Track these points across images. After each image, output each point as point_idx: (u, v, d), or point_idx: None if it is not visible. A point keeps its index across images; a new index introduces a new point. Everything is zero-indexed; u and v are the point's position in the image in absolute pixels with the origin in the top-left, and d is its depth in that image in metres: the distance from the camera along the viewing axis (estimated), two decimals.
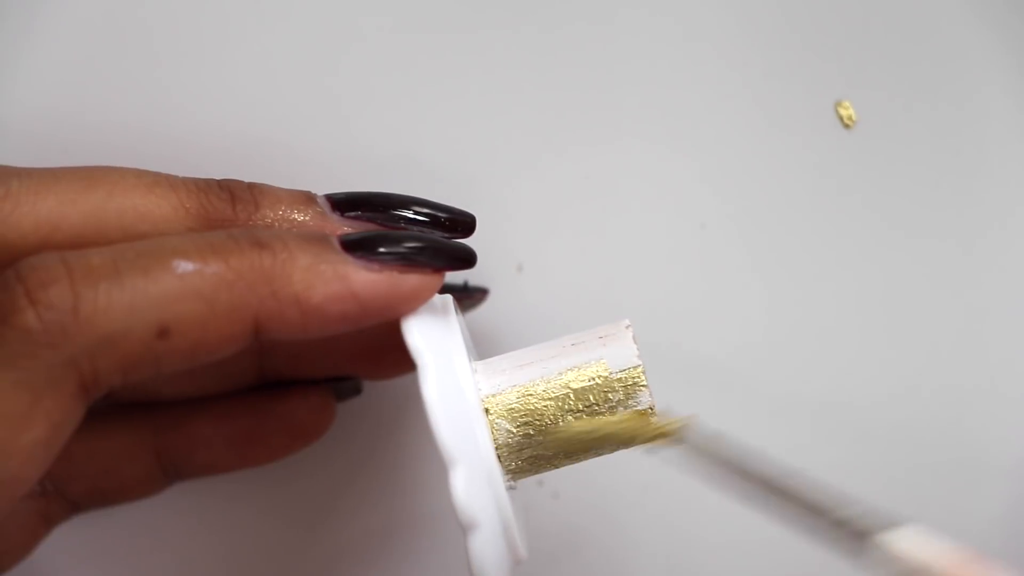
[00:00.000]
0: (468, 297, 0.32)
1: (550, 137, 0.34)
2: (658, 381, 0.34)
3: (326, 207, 0.25)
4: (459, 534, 0.24)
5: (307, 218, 0.25)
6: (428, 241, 0.24)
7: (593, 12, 0.34)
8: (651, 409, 0.25)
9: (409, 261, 0.24)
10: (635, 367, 0.25)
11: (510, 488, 0.25)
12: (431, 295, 0.25)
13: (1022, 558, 0.34)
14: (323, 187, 0.33)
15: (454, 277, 0.32)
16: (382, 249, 0.24)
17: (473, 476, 0.24)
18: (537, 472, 0.26)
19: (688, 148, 0.34)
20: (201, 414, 0.30)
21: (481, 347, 0.33)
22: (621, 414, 0.25)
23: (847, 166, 0.35)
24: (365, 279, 0.23)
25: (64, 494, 0.30)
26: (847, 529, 0.21)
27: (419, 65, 0.34)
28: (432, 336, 0.24)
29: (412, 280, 0.24)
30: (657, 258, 0.34)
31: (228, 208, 0.25)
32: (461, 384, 0.24)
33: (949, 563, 0.20)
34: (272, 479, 0.33)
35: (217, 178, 0.26)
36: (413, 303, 0.24)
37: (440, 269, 0.25)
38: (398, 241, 0.24)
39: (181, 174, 0.26)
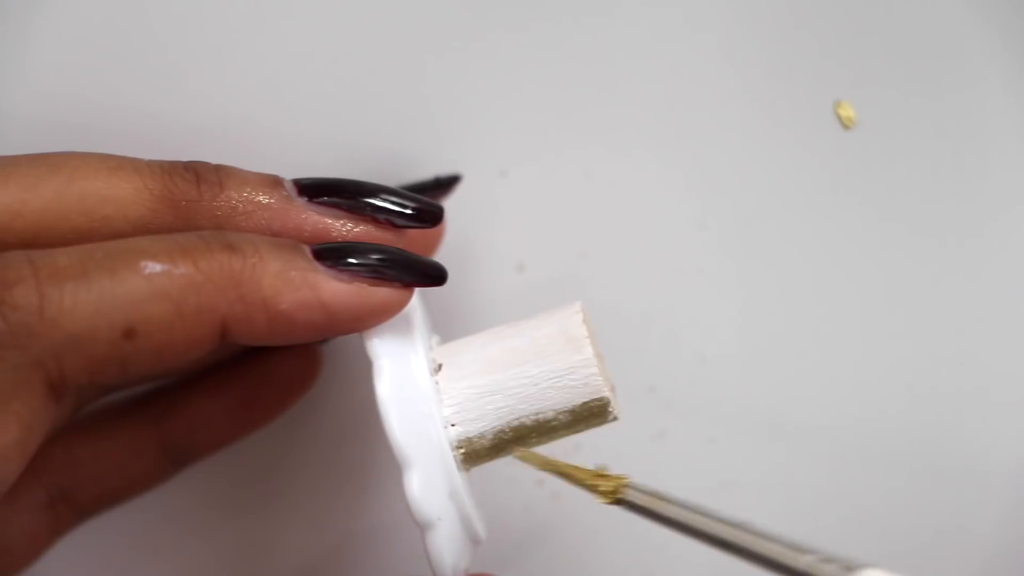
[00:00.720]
0: (442, 189, 0.32)
1: (550, 137, 0.34)
2: (657, 380, 0.34)
3: (292, 191, 0.25)
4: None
5: (272, 200, 0.25)
6: (399, 255, 0.24)
7: (593, 12, 0.34)
8: (608, 401, 0.25)
9: (379, 274, 0.24)
10: (590, 369, 0.25)
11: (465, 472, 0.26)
12: (399, 310, 0.24)
13: (1021, 564, 0.34)
14: None
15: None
16: (353, 260, 0.24)
17: (429, 475, 0.24)
18: (492, 460, 0.26)
19: (688, 148, 0.34)
20: (195, 394, 0.30)
21: None
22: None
23: (846, 166, 0.35)
24: (334, 288, 0.23)
25: (72, 502, 0.30)
26: None
27: (418, 64, 0.34)
28: (389, 332, 0.24)
29: (381, 293, 0.24)
30: (657, 258, 0.34)
31: (193, 189, 0.24)
32: (417, 381, 0.24)
33: None
34: (268, 480, 0.33)
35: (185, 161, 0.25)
36: (381, 316, 0.24)
37: (410, 284, 0.24)
38: (369, 253, 0.24)
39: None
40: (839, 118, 0.35)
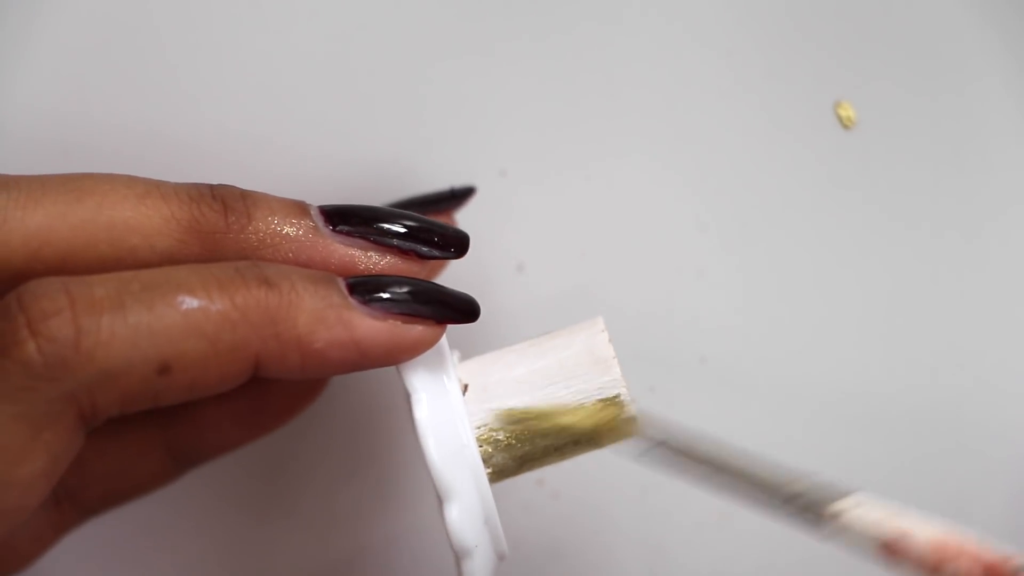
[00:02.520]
0: (457, 201, 0.32)
1: (550, 137, 0.34)
2: (658, 380, 0.34)
3: (318, 219, 0.25)
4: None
5: (299, 232, 0.25)
6: (432, 291, 0.24)
7: (594, 14, 0.34)
8: (636, 420, 0.25)
9: (413, 311, 0.24)
10: (617, 388, 0.25)
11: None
12: (432, 346, 0.24)
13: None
14: (320, 185, 0.33)
15: (438, 187, 0.32)
16: (385, 296, 0.24)
17: (467, 505, 0.24)
18: (511, 476, 0.26)
19: (688, 148, 0.34)
20: (203, 399, 0.30)
21: (480, 347, 0.33)
22: (589, 407, 0.25)
23: (846, 166, 0.35)
24: (369, 327, 0.23)
25: (78, 501, 0.30)
26: (800, 503, 0.22)
27: (418, 64, 0.34)
28: (424, 364, 0.24)
29: (415, 331, 0.24)
30: (657, 258, 0.34)
31: (220, 220, 0.24)
32: (454, 412, 0.24)
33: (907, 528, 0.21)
34: (275, 485, 0.33)
35: (211, 183, 0.25)
36: (413, 353, 0.24)
37: (443, 321, 0.24)
38: (402, 287, 0.24)
39: (180, 174, 0.25)
40: (839, 118, 0.35)
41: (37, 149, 0.32)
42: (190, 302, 0.22)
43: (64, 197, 0.23)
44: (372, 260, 0.25)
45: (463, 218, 0.33)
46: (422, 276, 0.25)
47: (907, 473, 0.35)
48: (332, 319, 0.23)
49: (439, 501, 0.24)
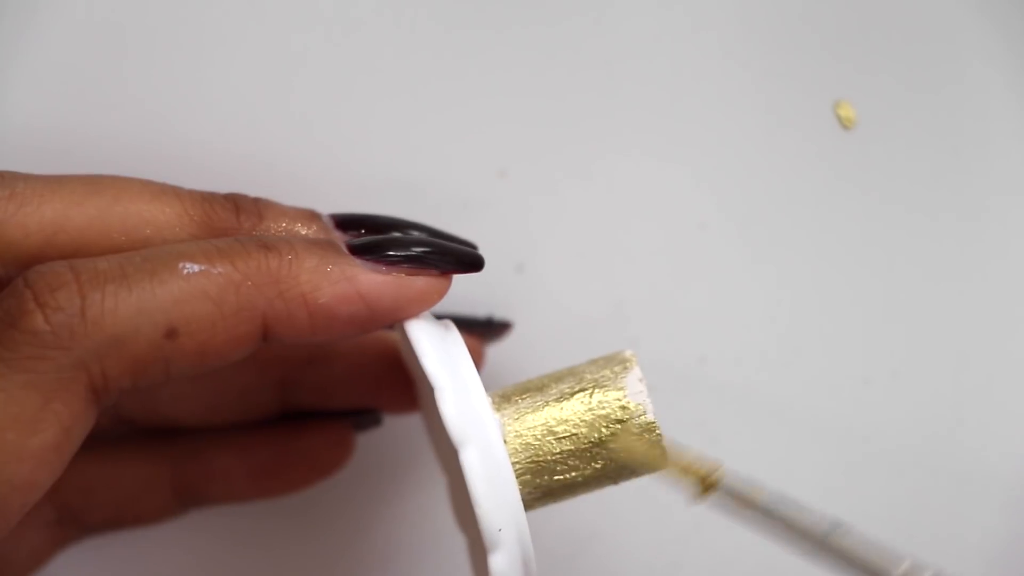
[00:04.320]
0: (493, 332, 0.33)
1: (550, 137, 0.34)
2: (658, 381, 0.34)
3: (330, 225, 0.25)
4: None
5: (310, 234, 0.25)
6: (436, 244, 0.25)
7: (592, 13, 0.34)
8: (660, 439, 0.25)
9: (416, 263, 0.24)
10: (650, 422, 0.25)
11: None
12: (439, 298, 0.25)
13: (1020, 565, 0.35)
14: (320, 185, 0.33)
15: (476, 310, 0.33)
16: (390, 252, 0.24)
17: (510, 552, 0.24)
18: (541, 506, 0.26)
19: (688, 148, 0.34)
20: (220, 446, 0.30)
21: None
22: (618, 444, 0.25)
23: (846, 167, 0.35)
24: (372, 280, 0.24)
25: (79, 522, 0.30)
26: None
27: (418, 64, 0.34)
28: (465, 410, 0.24)
29: (419, 282, 0.24)
30: (657, 258, 0.34)
31: (232, 218, 0.25)
32: (497, 459, 0.24)
33: None
34: (288, 506, 0.33)
35: (217, 191, 0.26)
36: (420, 305, 0.24)
37: (447, 272, 0.25)
38: (406, 244, 0.24)
39: (180, 175, 0.26)
40: (839, 118, 0.35)
41: (36, 153, 0.32)
42: (191, 267, 0.22)
43: (81, 189, 0.24)
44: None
45: (463, 218, 0.33)
46: (438, 290, 0.25)
47: (907, 472, 0.35)
48: (335, 274, 0.23)
49: (486, 550, 0.24)
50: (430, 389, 0.24)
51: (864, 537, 0.21)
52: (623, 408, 0.25)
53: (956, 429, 0.35)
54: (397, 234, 0.25)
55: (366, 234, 0.25)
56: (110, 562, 0.32)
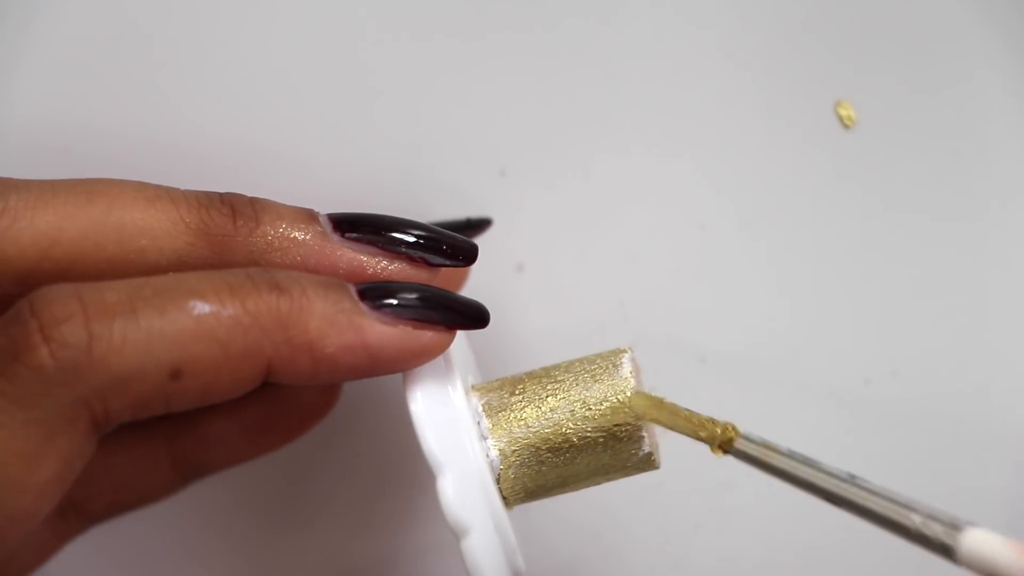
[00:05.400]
0: (473, 230, 0.32)
1: (550, 137, 0.34)
2: (658, 381, 0.34)
3: (327, 226, 0.25)
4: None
5: (307, 237, 0.25)
6: (441, 297, 0.24)
7: (593, 13, 0.34)
8: (651, 452, 0.25)
9: (423, 317, 0.24)
10: (637, 422, 0.25)
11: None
12: (441, 352, 0.25)
13: None
14: (320, 185, 0.33)
15: (456, 215, 0.32)
16: (395, 301, 0.24)
17: (485, 539, 0.24)
18: (537, 499, 0.26)
19: (688, 148, 0.34)
20: (212, 413, 0.30)
21: (481, 347, 0.33)
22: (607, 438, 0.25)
23: (846, 166, 0.35)
24: (379, 332, 0.23)
25: (83, 511, 0.30)
26: (918, 535, 0.21)
27: (417, 64, 0.34)
28: (444, 433, 0.24)
29: (426, 337, 0.24)
30: (657, 258, 0.34)
31: (229, 224, 0.24)
32: (476, 467, 0.24)
33: None
34: (287, 493, 0.33)
35: (217, 190, 0.25)
36: (423, 359, 0.24)
37: (453, 327, 0.24)
38: (411, 293, 0.24)
39: (179, 177, 0.26)
40: (839, 118, 0.35)
41: (37, 153, 0.32)
42: (202, 307, 0.22)
43: (74, 199, 0.24)
44: (381, 265, 0.25)
45: (462, 216, 0.33)
46: (432, 283, 0.25)
47: (907, 472, 0.35)
48: (343, 324, 0.23)
49: (456, 537, 0.24)
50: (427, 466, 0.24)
51: (877, 488, 0.22)
52: (620, 392, 0.25)
53: (956, 429, 0.35)
54: (407, 284, 0.24)
55: (363, 235, 0.25)
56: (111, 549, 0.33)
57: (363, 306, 0.24)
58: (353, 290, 0.24)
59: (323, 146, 0.33)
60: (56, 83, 0.32)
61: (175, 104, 0.33)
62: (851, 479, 0.22)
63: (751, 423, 0.34)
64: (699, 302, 0.34)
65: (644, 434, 0.25)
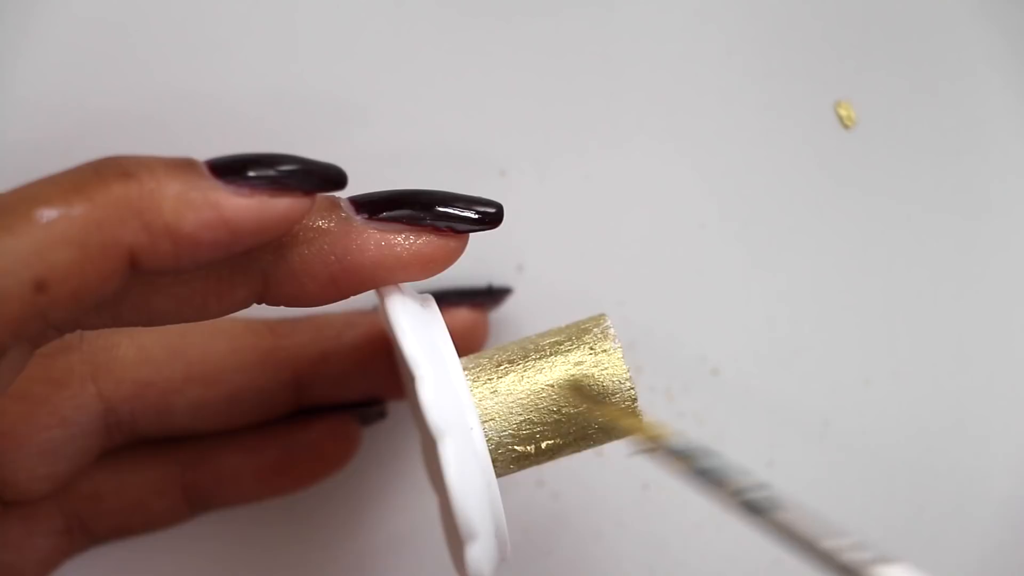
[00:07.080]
0: (493, 299, 0.33)
1: (550, 137, 0.34)
2: (658, 380, 0.34)
3: (350, 211, 0.25)
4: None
5: (331, 224, 0.25)
6: (298, 163, 0.24)
7: (593, 12, 0.34)
8: (634, 404, 0.25)
9: (279, 185, 0.23)
10: (626, 378, 0.25)
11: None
12: (301, 219, 0.24)
13: (1019, 562, 0.35)
14: None
15: (477, 280, 0.33)
16: (252, 173, 0.23)
17: (485, 545, 0.24)
18: (521, 469, 0.26)
19: (688, 148, 0.34)
20: (228, 448, 0.30)
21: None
22: (610, 407, 0.25)
23: (847, 166, 0.35)
24: (236, 204, 0.23)
25: (88, 530, 0.30)
26: (834, 562, 0.21)
27: (417, 63, 0.34)
28: (445, 403, 0.24)
29: (282, 204, 0.23)
30: (657, 258, 0.34)
31: None
32: (476, 450, 0.24)
33: None
34: (295, 505, 0.33)
35: None
36: (282, 227, 0.24)
37: (310, 191, 0.24)
38: (268, 164, 0.23)
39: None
40: (839, 118, 0.35)
41: (37, 150, 0.32)
42: (49, 213, 0.21)
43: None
44: (408, 241, 0.25)
45: None
46: (461, 251, 0.25)
47: (907, 472, 0.35)
48: (198, 201, 0.23)
49: (463, 539, 0.24)
50: (411, 378, 0.24)
51: (798, 508, 0.21)
52: (598, 365, 0.25)
53: (956, 429, 0.35)
54: (261, 153, 0.24)
55: (388, 214, 0.25)
56: (115, 568, 0.32)
57: (216, 181, 0.23)
58: (205, 167, 0.23)
59: (323, 146, 0.33)
60: (56, 83, 0.32)
61: (177, 96, 0.33)
62: (772, 501, 0.22)
63: (751, 423, 0.34)
64: (699, 302, 0.34)
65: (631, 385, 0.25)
